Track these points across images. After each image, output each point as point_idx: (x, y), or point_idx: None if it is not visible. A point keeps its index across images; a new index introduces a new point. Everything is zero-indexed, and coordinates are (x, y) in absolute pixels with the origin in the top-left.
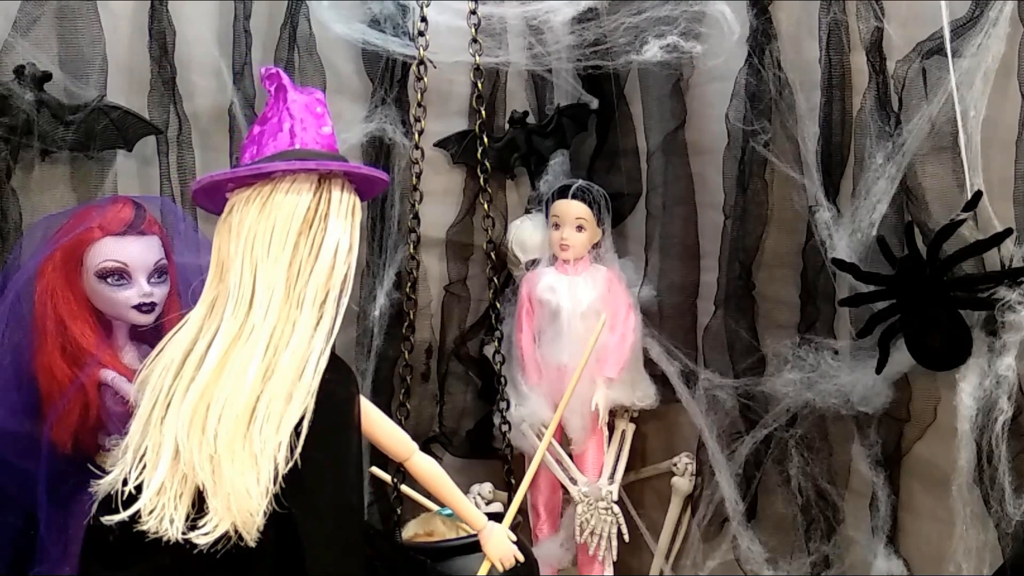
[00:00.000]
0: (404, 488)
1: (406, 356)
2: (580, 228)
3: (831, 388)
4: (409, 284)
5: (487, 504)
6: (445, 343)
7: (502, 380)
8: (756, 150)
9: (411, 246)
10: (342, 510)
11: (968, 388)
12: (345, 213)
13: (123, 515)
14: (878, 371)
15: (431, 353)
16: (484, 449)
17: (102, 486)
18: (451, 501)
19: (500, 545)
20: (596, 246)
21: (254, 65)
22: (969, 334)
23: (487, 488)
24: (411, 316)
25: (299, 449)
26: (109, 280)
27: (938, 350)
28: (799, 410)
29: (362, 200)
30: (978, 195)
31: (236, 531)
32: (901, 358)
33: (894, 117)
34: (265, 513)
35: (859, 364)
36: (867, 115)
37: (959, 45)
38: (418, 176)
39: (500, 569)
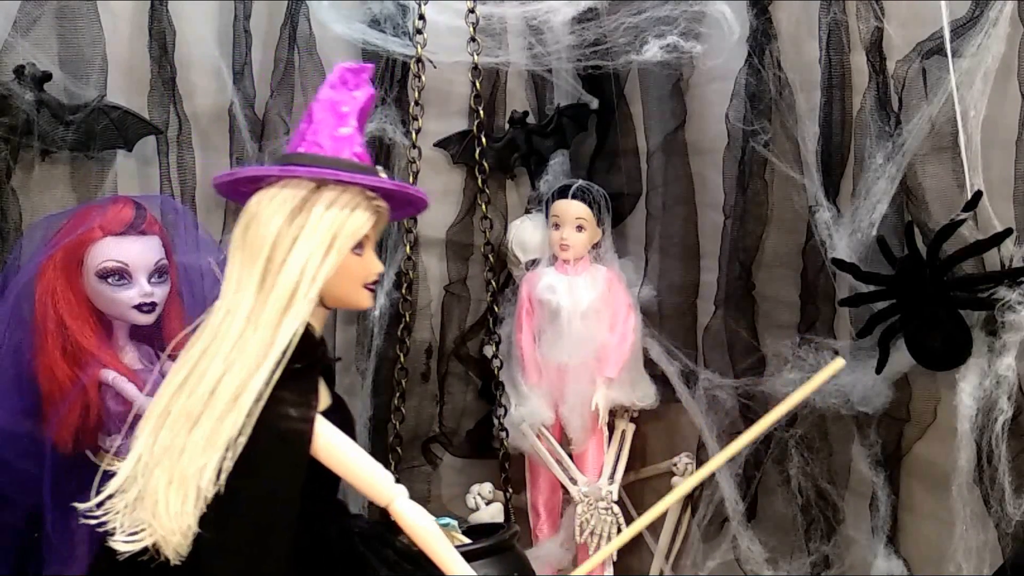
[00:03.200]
0: None
1: (402, 359)
2: (580, 228)
3: (831, 388)
4: (405, 285)
5: (487, 504)
6: (445, 343)
7: (500, 385)
8: (756, 150)
9: (408, 246)
10: (253, 551)
11: (968, 388)
12: (329, 226)
13: (94, 510)
14: (878, 371)
15: (431, 353)
16: (484, 449)
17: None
18: (438, 559)
19: None
20: (596, 246)
21: (254, 65)
22: (969, 334)
23: (487, 488)
24: (407, 318)
25: (224, 474)
26: (110, 280)
27: (938, 350)
28: (799, 410)
29: (395, 213)
30: (978, 195)
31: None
32: (901, 358)
33: (894, 117)
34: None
35: (859, 364)
36: (867, 115)
37: (959, 45)
38: (415, 175)
39: None
